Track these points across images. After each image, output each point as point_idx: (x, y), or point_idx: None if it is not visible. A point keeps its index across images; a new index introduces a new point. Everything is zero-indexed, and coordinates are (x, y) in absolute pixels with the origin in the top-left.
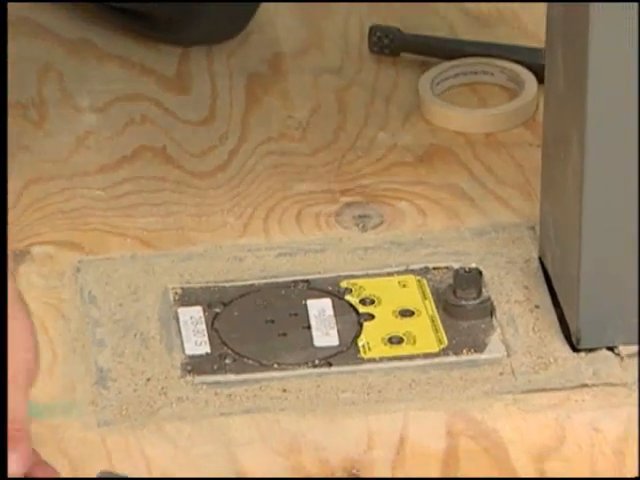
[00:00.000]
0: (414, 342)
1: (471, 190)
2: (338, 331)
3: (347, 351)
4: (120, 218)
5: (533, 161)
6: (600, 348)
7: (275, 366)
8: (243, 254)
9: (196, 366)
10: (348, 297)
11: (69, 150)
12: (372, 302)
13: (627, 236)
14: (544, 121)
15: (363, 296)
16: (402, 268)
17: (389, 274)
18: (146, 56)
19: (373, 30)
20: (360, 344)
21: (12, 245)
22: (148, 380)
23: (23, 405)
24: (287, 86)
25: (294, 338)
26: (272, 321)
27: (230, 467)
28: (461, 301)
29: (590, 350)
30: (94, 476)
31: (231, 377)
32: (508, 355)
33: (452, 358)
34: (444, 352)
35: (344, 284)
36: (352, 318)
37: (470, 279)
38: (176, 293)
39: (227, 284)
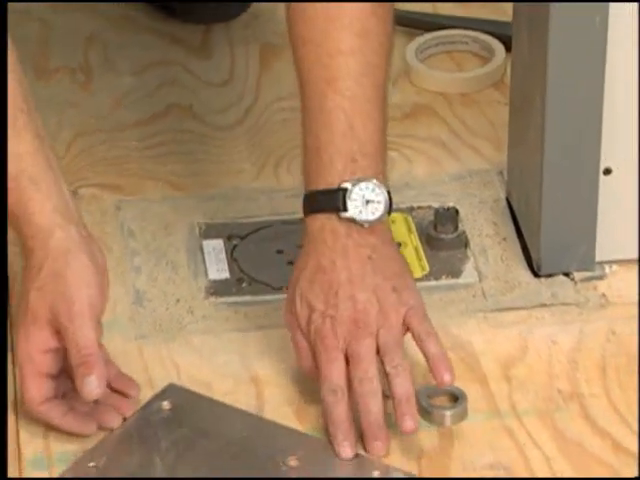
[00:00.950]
0: None
1: (449, 141)
2: None
3: None
4: (153, 165)
5: (501, 117)
6: (557, 274)
7: (284, 289)
8: (257, 195)
9: (218, 289)
10: None
11: (110, 107)
12: None
13: (580, 179)
14: (511, 83)
15: None
16: None
17: None
18: (175, 28)
19: None
20: None
21: None
22: (177, 301)
23: (91, 334)
24: None
25: None
26: (282, 251)
27: (246, 373)
28: (440, 235)
29: (549, 275)
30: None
31: (247, 298)
32: (480, 280)
33: (433, 283)
34: (426, 277)
35: None
36: None
37: (448, 216)
38: (201, 228)
39: (244, 220)
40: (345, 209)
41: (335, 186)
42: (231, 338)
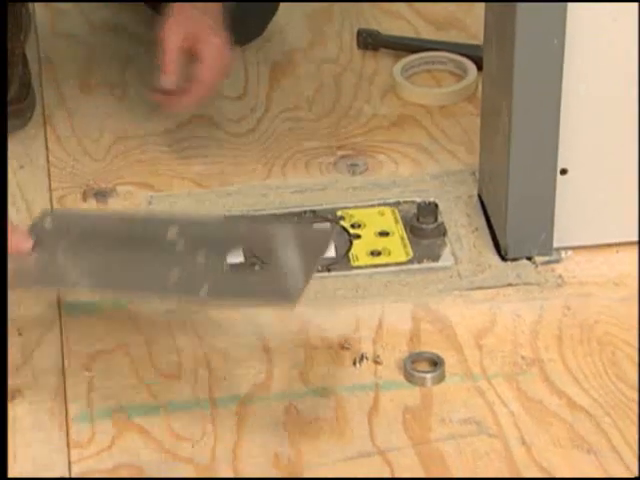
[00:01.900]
0: (389, 254)
1: (430, 146)
2: (335, 246)
3: (341, 261)
4: (180, 166)
5: (474, 126)
6: (521, 258)
7: None
8: (267, 191)
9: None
10: (342, 222)
11: (143, 117)
12: (359, 226)
13: (540, 178)
14: (482, 97)
15: (353, 222)
16: (381, 202)
17: (371, 206)
18: None
19: (360, 32)
20: (350, 256)
21: (102, 185)
22: None
23: None
24: (299, 72)
25: None
26: None
27: (259, 342)
28: (422, 225)
29: (514, 259)
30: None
31: None
32: (456, 263)
33: (416, 266)
34: (410, 261)
35: (339, 213)
36: (345, 237)
37: (429, 210)
38: None
39: (256, 213)
40: None
41: None
42: (245, 313)
